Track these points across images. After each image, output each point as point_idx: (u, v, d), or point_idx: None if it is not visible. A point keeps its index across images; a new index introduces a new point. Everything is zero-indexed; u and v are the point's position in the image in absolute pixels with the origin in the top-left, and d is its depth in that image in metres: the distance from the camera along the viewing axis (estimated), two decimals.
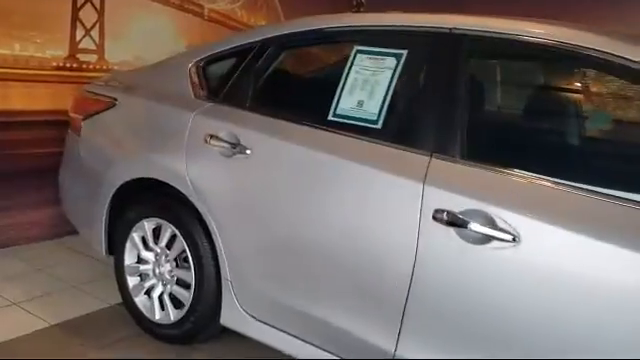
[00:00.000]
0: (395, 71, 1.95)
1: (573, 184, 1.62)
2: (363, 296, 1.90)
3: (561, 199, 1.62)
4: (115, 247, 2.62)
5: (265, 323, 2.16)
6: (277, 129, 2.14)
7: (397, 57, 1.96)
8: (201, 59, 2.52)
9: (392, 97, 1.93)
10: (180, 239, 2.37)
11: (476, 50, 1.92)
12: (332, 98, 2.05)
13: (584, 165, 1.84)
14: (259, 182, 2.15)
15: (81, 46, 5.65)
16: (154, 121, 2.53)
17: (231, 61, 2.44)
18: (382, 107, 1.94)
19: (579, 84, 2.03)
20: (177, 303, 2.44)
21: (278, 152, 2.11)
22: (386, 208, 1.84)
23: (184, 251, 2.37)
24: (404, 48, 1.97)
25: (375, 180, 1.88)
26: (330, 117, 2.04)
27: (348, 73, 2.05)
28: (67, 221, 3.02)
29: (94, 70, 5.66)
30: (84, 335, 2.53)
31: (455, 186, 1.73)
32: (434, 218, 1.72)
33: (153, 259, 2.51)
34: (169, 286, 2.46)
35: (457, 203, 1.69)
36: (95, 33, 5.70)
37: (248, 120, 2.23)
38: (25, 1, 5.03)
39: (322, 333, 2.02)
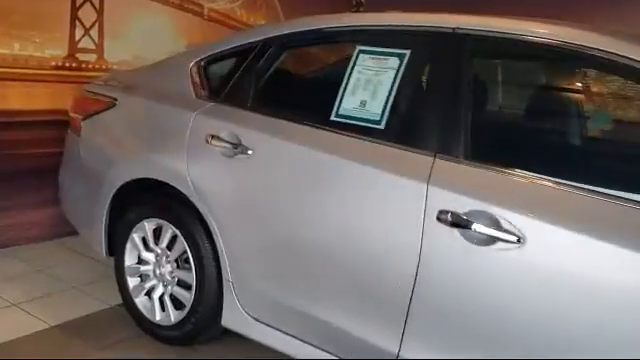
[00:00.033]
0: (398, 71, 1.94)
1: (578, 185, 1.61)
2: (366, 297, 1.89)
3: (566, 200, 1.61)
4: (115, 248, 2.61)
5: (267, 324, 2.15)
6: (279, 129, 2.13)
7: (400, 57, 1.95)
8: (202, 59, 2.51)
9: (395, 97, 1.92)
10: (181, 240, 2.36)
11: (479, 50, 1.91)
12: (334, 98, 2.04)
13: (589, 165, 1.83)
14: (261, 182, 2.13)
15: (80, 45, 5.62)
16: (155, 121, 2.52)
17: (232, 61, 2.43)
18: (385, 107, 1.93)
19: (583, 84, 2.02)
20: (178, 304, 2.42)
21: (280, 152, 2.10)
22: (389, 209, 1.83)
23: (185, 252, 2.36)
24: (407, 48, 1.95)
25: (378, 180, 1.86)
26: (332, 117, 2.03)
27: (351, 73, 2.03)
28: (67, 221, 3.00)
29: (93, 70, 5.63)
30: (84, 336, 2.51)
31: (459, 187, 1.72)
32: (438, 219, 1.71)
33: (154, 260, 2.49)
34: (170, 287, 2.44)
35: (461, 204, 1.68)
36: (94, 32, 5.67)
37: (250, 120, 2.22)
38: (24, 0, 5.00)
39: (324, 334, 2.01)
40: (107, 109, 2.67)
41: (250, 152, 2.14)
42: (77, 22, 5.61)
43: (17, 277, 3.06)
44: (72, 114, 2.87)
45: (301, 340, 2.06)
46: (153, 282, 2.49)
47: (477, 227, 1.65)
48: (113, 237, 2.62)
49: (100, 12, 5.66)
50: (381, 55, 1.99)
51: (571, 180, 1.62)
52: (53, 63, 5.55)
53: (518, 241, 1.60)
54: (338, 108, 2.03)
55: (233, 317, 2.24)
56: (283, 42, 2.31)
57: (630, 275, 1.51)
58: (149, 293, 2.51)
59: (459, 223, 1.67)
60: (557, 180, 1.64)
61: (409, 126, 1.93)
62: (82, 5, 5.58)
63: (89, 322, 2.65)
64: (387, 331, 1.84)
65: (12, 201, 3.98)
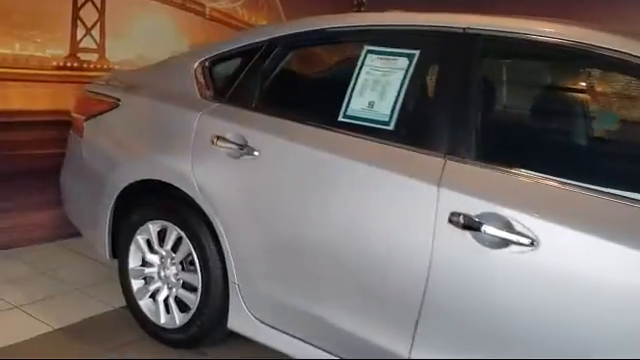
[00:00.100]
0: (407, 71, 1.91)
1: (592, 187, 1.59)
2: (376, 300, 1.87)
3: (580, 201, 1.59)
4: (119, 250, 2.58)
5: (274, 327, 2.13)
6: (286, 130, 2.11)
7: (409, 57, 1.93)
8: (206, 59, 2.48)
9: (404, 98, 1.90)
10: (186, 242, 2.33)
11: (490, 50, 1.89)
12: (342, 99, 2.02)
13: (604, 167, 1.80)
14: (268, 184, 2.11)
15: (82, 45, 5.60)
16: (159, 122, 2.49)
17: (237, 61, 2.40)
18: (394, 108, 1.90)
19: (595, 84, 2.00)
20: (183, 307, 2.40)
21: (287, 153, 2.07)
22: (399, 211, 1.81)
23: (190, 254, 2.33)
24: (416, 48, 1.93)
25: (387, 182, 1.84)
26: (340, 118, 2.01)
27: (358, 73, 2.01)
28: (69, 223, 2.98)
29: (95, 69, 5.61)
30: (88, 339, 2.49)
31: (471, 188, 1.69)
32: (450, 221, 1.68)
33: (158, 262, 2.47)
34: (175, 289, 2.42)
35: (473, 206, 1.66)
36: (96, 32, 5.65)
37: (256, 121, 2.19)
38: (25, 0, 4.98)
39: (332, 337, 1.99)
40: (110, 109, 2.65)
41: (256, 153, 2.11)
42: (79, 22, 5.60)
43: (20, 279, 3.03)
44: (74, 114, 2.84)
45: (309, 343, 2.04)
46: (158, 284, 2.47)
47: (489, 229, 1.62)
48: (117, 239, 2.60)
49: (102, 12, 5.64)
50: (390, 55, 1.97)
51: (585, 182, 1.60)
52: (54, 63, 5.53)
53: (532, 244, 1.58)
54: (346, 109, 2.01)
55: (239, 320, 2.21)
56: (289, 42, 2.29)
57: None
58: (153, 295, 2.48)
59: (471, 225, 1.65)
60: (570, 182, 1.61)
61: (419, 127, 1.91)
62: (84, 5, 5.57)
63: (93, 325, 2.62)
64: (397, 333, 1.82)
65: (14, 202, 3.96)
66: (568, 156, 1.82)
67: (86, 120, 2.73)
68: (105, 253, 2.63)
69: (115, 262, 2.64)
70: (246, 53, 2.37)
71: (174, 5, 6.33)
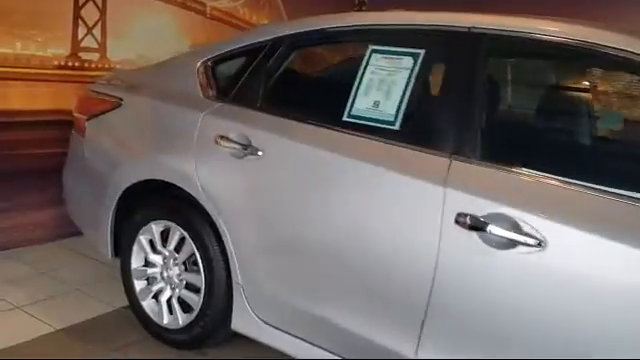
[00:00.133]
0: (412, 71, 1.91)
1: (599, 187, 1.58)
2: (381, 300, 1.86)
3: (588, 202, 1.58)
4: (121, 250, 2.57)
5: (279, 328, 2.12)
6: (290, 130, 2.10)
7: (414, 57, 1.92)
8: (209, 58, 2.47)
9: (409, 97, 1.89)
10: (189, 242, 2.32)
11: (496, 49, 1.88)
12: (346, 98, 2.01)
13: (611, 166, 1.79)
14: (272, 184, 2.10)
15: (83, 44, 5.57)
16: (162, 121, 2.48)
17: (240, 60, 2.39)
18: (399, 108, 1.89)
19: (602, 83, 1.99)
20: (186, 307, 2.39)
21: (291, 153, 2.06)
22: (405, 211, 1.80)
23: (193, 254, 2.32)
24: (421, 47, 1.92)
25: (393, 182, 1.83)
26: (345, 118, 2.00)
27: (363, 73, 2.00)
28: (69, 223, 2.97)
29: (96, 69, 5.60)
30: (91, 340, 2.48)
31: (477, 189, 1.69)
32: (456, 222, 1.67)
33: (161, 262, 2.45)
34: (177, 290, 2.41)
35: (480, 206, 1.65)
36: (97, 31, 5.63)
37: (259, 121, 2.18)
38: None
39: (337, 338, 1.98)
40: (112, 109, 2.63)
41: (260, 153, 2.10)
42: (80, 21, 5.58)
43: (20, 279, 3.02)
44: (76, 114, 2.83)
45: (313, 344, 2.03)
46: (160, 285, 2.46)
47: (496, 230, 1.61)
48: (119, 238, 2.58)
49: (103, 11, 5.62)
50: (395, 55, 1.96)
51: (593, 182, 1.59)
52: (55, 62, 5.51)
53: (539, 244, 1.57)
54: (350, 108, 2.00)
55: (243, 320, 2.20)
56: (293, 41, 2.27)
57: None
58: (156, 296, 2.47)
59: (478, 226, 1.64)
60: (578, 182, 1.60)
61: (424, 127, 1.90)
62: (85, 4, 5.55)
63: (95, 325, 2.61)
64: (403, 334, 1.81)
65: (14, 202, 3.95)
66: (575, 156, 1.81)
67: (88, 120, 2.72)
68: (107, 253, 2.62)
69: (116, 261, 2.63)
70: (249, 53, 2.35)
71: (175, 4, 6.31)
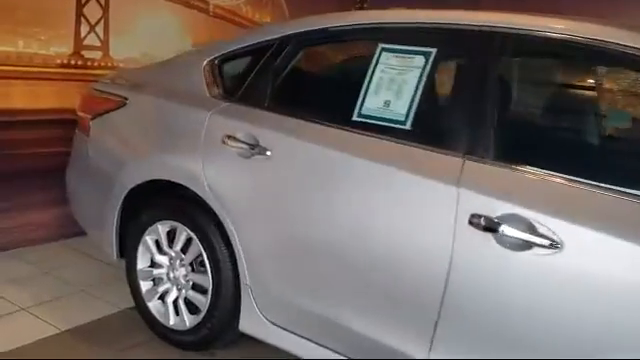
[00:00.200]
0: (424, 70, 1.88)
1: (616, 187, 1.55)
2: (393, 301, 1.84)
3: (605, 203, 1.56)
4: (127, 250, 2.55)
5: (287, 329, 2.09)
6: (298, 130, 2.07)
7: (426, 55, 1.89)
8: (216, 57, 2.44)
9: (421, 97, 1.86)
10: (196, 242, 2.30)
11: (509, 47, 1.85)
12: (356, 98, 1.99)
13: (629, 167, 1.76)
14: (280, 184, 2.08)
15: (86, 43, 5.55)
16: (167, 121, 2.45)
17: (247, 59, 2.37)
18: (410, 107, 1.87)
19: (618, 82, 1.97)
20: (192, 308, 2.37)
21: (300, 153, 2.04)
22: (417, 212, 1.78)
23: (200, 255, 2.30)
24: (433, 46, 1.90)
25: (404, 182, 1.81)
26: (355, 117, 1.97)
27: (373, 72, 1.98)
28: (72, 222, 2.95)
29: (99, 67, 5.58)
30: (97, 341, 2.46)
31: (491, 189, 1.66)
32: (470, 223, 1.65)
33: (167, 263, 2.43)
34: (184, 291, 2.38)
35: (494, 207, 1.63)
36: (100, 29, 5.60)
37: (267, 120, 2.16)
38: None
39: (347, 339, 1.96)
40: (117, 108, 2.61)
41: (268, 153, 2.08)
42: (82, 19, 5.55)
43: (24, 280, 3.00)
44: (80, 113, 2.81)
45: (323, 346, 2.01)
46: (167, 286, 2.43)
47: (511, 232, 1.59)
48: (124, 239, 2.56)
49: (106, 8, 5.60)
50: (405, 53, 1.93)
51: (609, 182, 1.56)
52: (58, 61, 5.48)
53: (555, 246, 1.54)
54: (360, 108, 1.97)
55: (251, 321, 2.18)
56: (301, 40, 2.25)
57: None
58: (162, 297, 2.45)
59: (492, 227, 1.62)
60: (594, 182, 1.58)
61: (436, 126, 1.88)
62: (87, 1, 5.52)
63: (101, 326, 2.59)
64: (415, 335, 1.79)
65: (17, 202, 3.93)
66: (590, 155, 1.79)
67: (92, 119, 2.70)
68: (112, 253, 2.60)
69: (120, 261, 2.61)
70: (257, 51, 2.33)
71: (178, 2, 6.29)
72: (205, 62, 2.44)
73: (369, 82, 1.97)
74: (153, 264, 2.48)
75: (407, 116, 1.87)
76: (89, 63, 5.40)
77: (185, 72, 2.53)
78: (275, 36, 2.29)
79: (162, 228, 2.41)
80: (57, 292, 2.88)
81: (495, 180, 1.69)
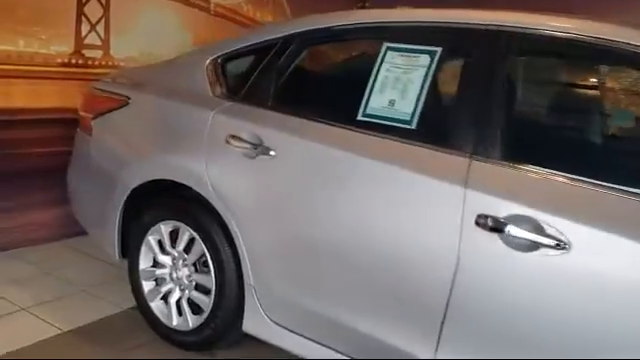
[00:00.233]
0: (429, 69, 1.87)
1: (624, 188, 1.54)
2: (399, 302, 1.82)
3: (612, 203, 1.55)
4: (129, 250, 2.54)
5: (292, 330, 2.08)
6: (303, 129, 2.06)
7: (431, 54, 1.88)
8: (219, 56, 2.43)
9: (427, 96, 1.85)
10: (199, 243, 2.29)
11: (516, 47, 1.83)
12: (360, 97, 1.97)
13: (638, 167, 1.75)
14: (285, 184, 2.06)
15: (86, 42, 5.53)
16: (170, 120, 2.44)
17: (250, 58, 2.35)
18: (416, 106, 1.85)
19: (627, 82, 1.95)
20: (195, 309, 2.35)
21: (305, 153, 2.03)
22: (424, 213, 1.77)
23: (203, 255, 2.29)
24: (438, 45, 1.88)
25: (410, 182, 1.80)
26: (360, 117, 1.96)
27: (378, 71, 1.96)
28: (73, 222, 2.93)
29: (100, 66, 5.56)
30: (100, 342, 2.44)
31: (498, 190, 1.65)
32: (477, 223, 1.64)
33: (170, 263, 2.42)
34: (187, 291, 2.37)
35: (501, 208, 1.62)
36: (100, 28, 5.57)
37: (271, 120, 2.15)
38: None
39: (353, 340, 1.95)
40: (119, 107, 2.60)
41: (273, 153, 2.07)
42: (83, 17, 5.53)
43: (25, 280, 2.98)
44: (82, 113, 2.80)
45: (328, 347, 2.00)
46: (169, 286, 2.42)
47: (518, 232, 1.58)
48: (126, 239, 2.55)
49: (106, 7, 5.58)
50: (411, 52, 1.92)
51: (617, 183, 1.55)
52: (59, 60, 5.47)
53: (563, 247, 1.53)
54: (365, 107, 1.96)
55: (255, 322, 2.17)
56: (305, 39, 2.23)
57: None
58: (165, 297, 2.43)
59: (499, 228, 1.61)
60: (602, 182, 1.57)
61: (442, 126, 1.86)
62: (88, 0, 5.50)
63: (103, 327, 2.57)
64: (421, 336, 1.78)
65: (18, 202, 3.91)
66: (599, 156, 1.78)
67: (94, 118, 2.68)
68: (114, 253, 2.58)
69: (122, 262, 2.59)
70: (260, 50, 2.31)
71: (179, 1, 6.27)
72: (208, 61, 2.43)
73: (374, 81, 1.96)
74: (156, 264, 2.47)
75: (413, 115, 1.86)
76: (90, 62, 5.39)
77: (188, 71, 2.52)
78: (279, 35, 2.28)
79: (165, 228, 2.40)
80: (58, 292, 2.87)
81: (502, 180, 1.68)
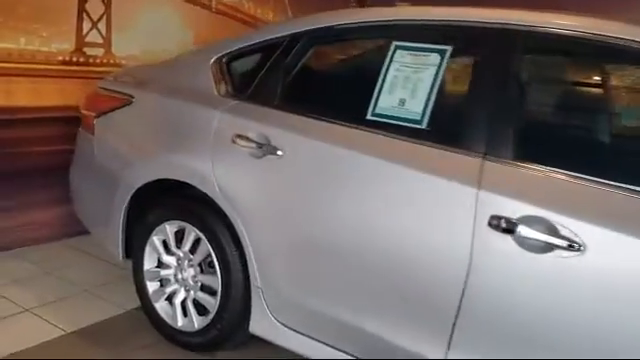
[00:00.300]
0: (439, 68, 1.84)
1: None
2: (408, 304, 1.80)
3: (627, 204, 1.53)
4: (133, 251, 2.51)
5: (299, 332, 2.06)
6: (311, 129, 2.03)
7: (441, 53, 1.86)
8: (224, 55, 2.40)
9: (437, 95, 1.83)
10: (205, 243, 2.26)
11: (529, 46, 1.81)
12: (369, 96, 1.95)
13: None
14: (292, 184, 2.04)
15: (88, 39, 5.53)
16: (175, 119, 2.41)
17: (257, 57, 2.33)
18: (426, 106, 1.83)
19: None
20: (201, 309, 2.33)
21: (313, 153, 2.00)
22: (436, 213, 1.74)
23: (209, 255, 2.26)
24: (448, 44, 1.86)
25: (421, 183, 1.77)
26: (369, 116, 1.94)
27: (387, 70, 1.94)
28: (76, 221, 2.91)
29: (101, 64, 5.55)
30: (104, 343, 2.42)
31: (511, 190, 1.63)
32: (489, 225, 1.62)
33: (175, 264, 2.39)
34: (192, 292, 2.35)
35: (514, 209, 1.59)
36: (102, 26, 5.56)
37: (278, 119, 2.12)
38: None
39: (362, 341, 1.93)
40: (123, 106, 2.57)
41: (280, 153, 2.04)
42: (84, 15, 5.50)
43: (27, 280, 2.96)
44: (84, 111, 2.77)
45: (336, 348, 1.98)
46: (174, 287, 2.40)
47: (532, 234, 1.56)
48: (130, 239, 2.52)
49: (108, 5, 5.56)
50: (421, 51, 1.90)
51: (633, 184, 1.53)
52: (60, 58, 5.45)
53: (578, 248, 1.51)
54: (374, 106, 1.94)
55: (262, 323, 2.14)
56: (312, 37, 2.21)
57: None
58: (170, 298, 2.41)
59: (512, 229, 1.59)
60: (616, 183, 1.55)
61: (454, 126, 1.83)
62: None
63: (107, 327, 2.55)
64: (432, 337, 1.76)
65: (19, 201, 3.89)
66: (613, 156, 1.76)
67: (97, 117, 2.66)
68: (118, 253, 2.56)
69: (126, 262, 2.57)
70: (266, 49, 2.29)
71: None
72: (212, 60, 2.41)
73: (383, 80, 1.94)
74: (160, 265, 2.44)
75: (423, 115, 1.84)
76: (91, 60, 5.36)
77: (192, 70, 2.49)
78: (285, 33, 2.26)
79: (170, 228, 2.37)
80: (61, 293, 2.84)
81: (515, 181, 1.66)
